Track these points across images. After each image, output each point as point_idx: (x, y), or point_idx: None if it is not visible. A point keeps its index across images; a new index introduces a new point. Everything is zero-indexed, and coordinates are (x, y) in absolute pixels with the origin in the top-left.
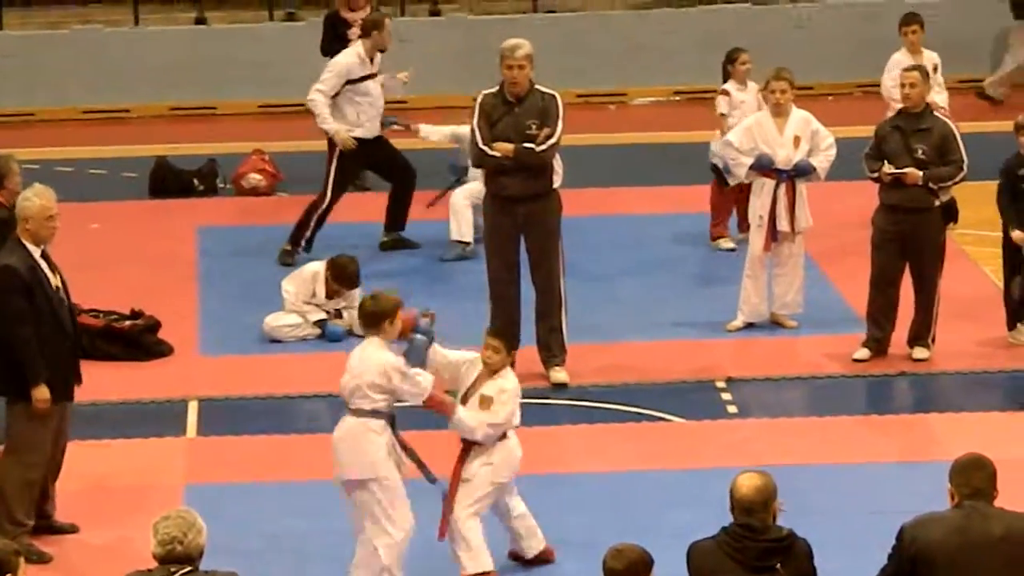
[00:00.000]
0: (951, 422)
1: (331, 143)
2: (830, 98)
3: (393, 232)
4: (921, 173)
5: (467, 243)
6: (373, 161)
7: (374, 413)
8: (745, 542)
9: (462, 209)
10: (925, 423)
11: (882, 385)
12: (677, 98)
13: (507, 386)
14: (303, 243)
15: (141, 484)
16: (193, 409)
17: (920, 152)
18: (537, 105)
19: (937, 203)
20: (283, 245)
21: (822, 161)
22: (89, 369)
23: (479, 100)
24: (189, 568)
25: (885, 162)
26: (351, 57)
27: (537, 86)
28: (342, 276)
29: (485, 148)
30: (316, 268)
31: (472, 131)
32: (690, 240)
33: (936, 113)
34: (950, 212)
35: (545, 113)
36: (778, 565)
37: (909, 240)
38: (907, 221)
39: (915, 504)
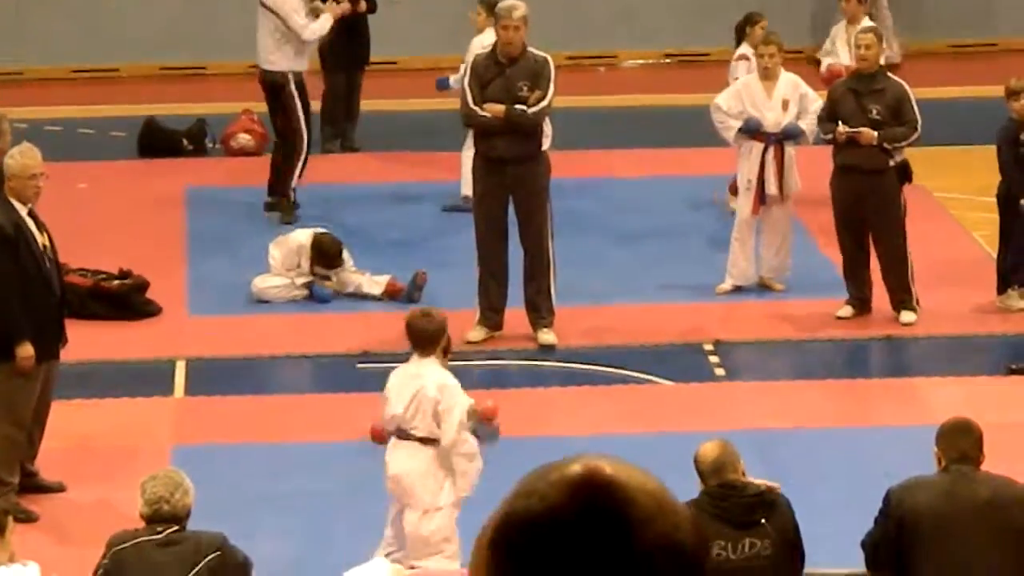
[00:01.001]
0: (938, 386)
1: (284, 93)
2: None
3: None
4: (876, 133)
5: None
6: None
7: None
8: (730, 500)
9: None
10: (912, 387)
11: (869, 348)
12: (667, 61)
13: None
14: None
15: (128, 444)
16: (181, 369)
17: (875, 112)
18: (529, 67)
19: (891, 163)
20: (272, 201)
21: (810, 123)
22: (77, 329)
23: (471, 61)
24: (176, 528)
25: (839, 123)
26: None
27: (529, 49)
28: (325, 256)
29: (475, 108)
30: (302, 240)
31: (463, 91)
32: (679, 203)
33: (890, 75)
34: (905, 172)
35: (537, 76)
36: (763, 520)
37: (866, 201)
38: (863, 182)
39: (902, 468)
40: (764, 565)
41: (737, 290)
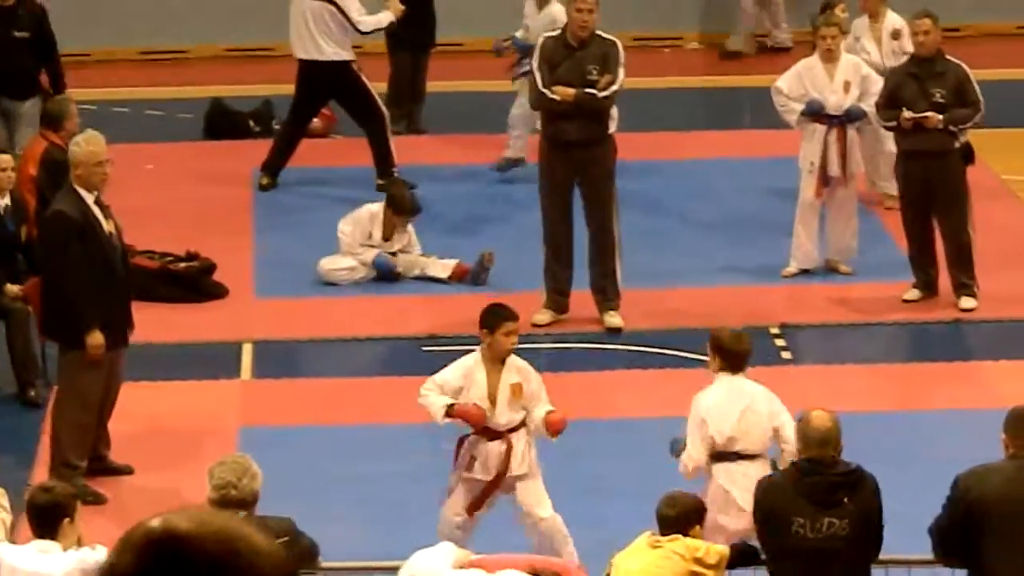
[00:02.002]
0: (1006, 370)
1: (344, 70)
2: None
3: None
4: (941, 116)
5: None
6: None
7: None
8: (815, 477)
9: (520, 126)
10: (980, 371)
11: (936, 332)
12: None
13: (526, 366)
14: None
15: (195, 426)
16: (248, 352)
17: (939, 96)
18: (599, 51)
19: (956, 145)
20: (384, 182)
21: (872, 105)
22: (144, 311)
23: (540, 43)
24: (244, 513)
25: (904, 109)
26: None
27: (598, 31)
28: (402, 207)
29: (546, 92)
30: (374, 209)
31: (532, 73)
32: (746, 185)
33: (949, 57)
34: (968, 154)
35: (606, 59)
36: (846, 499)
37: (933, 185)
38: (930, 167)
39: (969, 453)
40: (838, 547)
41: (803, 273)
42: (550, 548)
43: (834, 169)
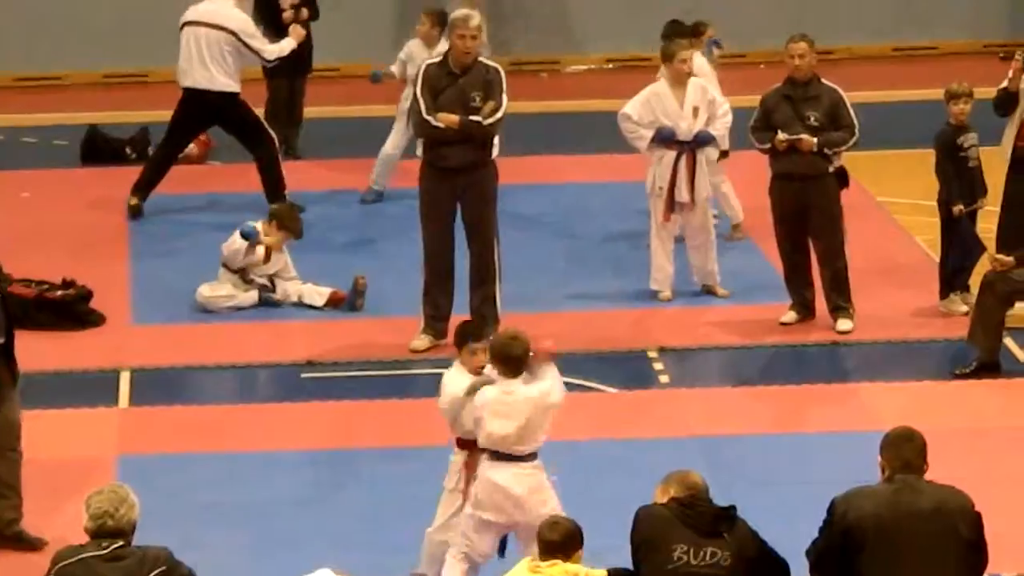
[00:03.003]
0: (883, 391)
1: (234, 102)
2: (762, 66)
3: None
4: (815, 139)
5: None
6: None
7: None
8: (696, 508)
9: (389, 159)
10: (857, 392)
11: (814, 354)
12: (610, 66)
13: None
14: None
15: (73, 455)
16: (125, 379)
17: (812, 119)
18: (481, 77)
19: (831, 168)
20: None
21: (719, 129)
22: (21, 339)
23: (422, 69)
24: (121, 543)
25: (778, 131)
26: (239, 8)
27: (480, 58)
28: (291, 224)
29: (430, 118)
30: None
31: (415, 100)
32: (623, 209)
33: (824, 81)
34: (843, 177)
35: (489, 86)
36: (725, 534)
37: (807, 208)
38: (803, 189)
39: (846, 475)
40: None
41: (691, 295)
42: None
43: (683, 195)
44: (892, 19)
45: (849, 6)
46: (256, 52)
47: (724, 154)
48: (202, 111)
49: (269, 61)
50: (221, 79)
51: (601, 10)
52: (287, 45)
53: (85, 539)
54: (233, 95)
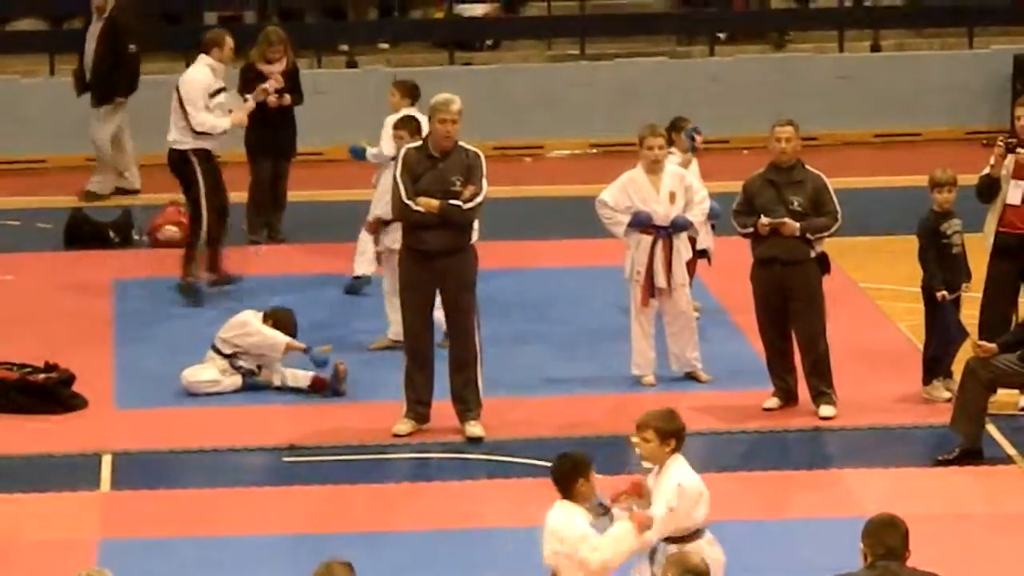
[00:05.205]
0: (865, 478)
1: (183, 158)
2: (745, 152)
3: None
4: (798, 224)
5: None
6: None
7: None
8: None
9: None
10: (839, 478)
11: (797, 440)
12: (593, 151)
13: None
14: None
15: (54, 539)
16: (107, 463)
17: (795, 204)
18: (461, 161)
19: (812, 254)
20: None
21: (696, 215)
22: (2, 422)
23: (402, 153)
24: None
25: (761, 215)
26: (203, 73)
27: (460, 142)
28: (287, 327)
29: (409, 203)
30: (246, 318)
31: (395, 184)
32: (606, 293)
33: (807, 166)
34: (824, 263)
35: (469, 170)
36: None
37: (789, 293)
38: (785, 274)
39: (829, 561)
40: None
41: (662, 380)
42: None
43: (660, 280)
44: (875, 105)
45: (832, 92)
46: (187, 116)
47: (704, 254)
48: (171, 170)
49: (197, 131)
50: (171, 135)
51: (586, 96)
52: (221, 123)
53: None
54: (181, 152)
